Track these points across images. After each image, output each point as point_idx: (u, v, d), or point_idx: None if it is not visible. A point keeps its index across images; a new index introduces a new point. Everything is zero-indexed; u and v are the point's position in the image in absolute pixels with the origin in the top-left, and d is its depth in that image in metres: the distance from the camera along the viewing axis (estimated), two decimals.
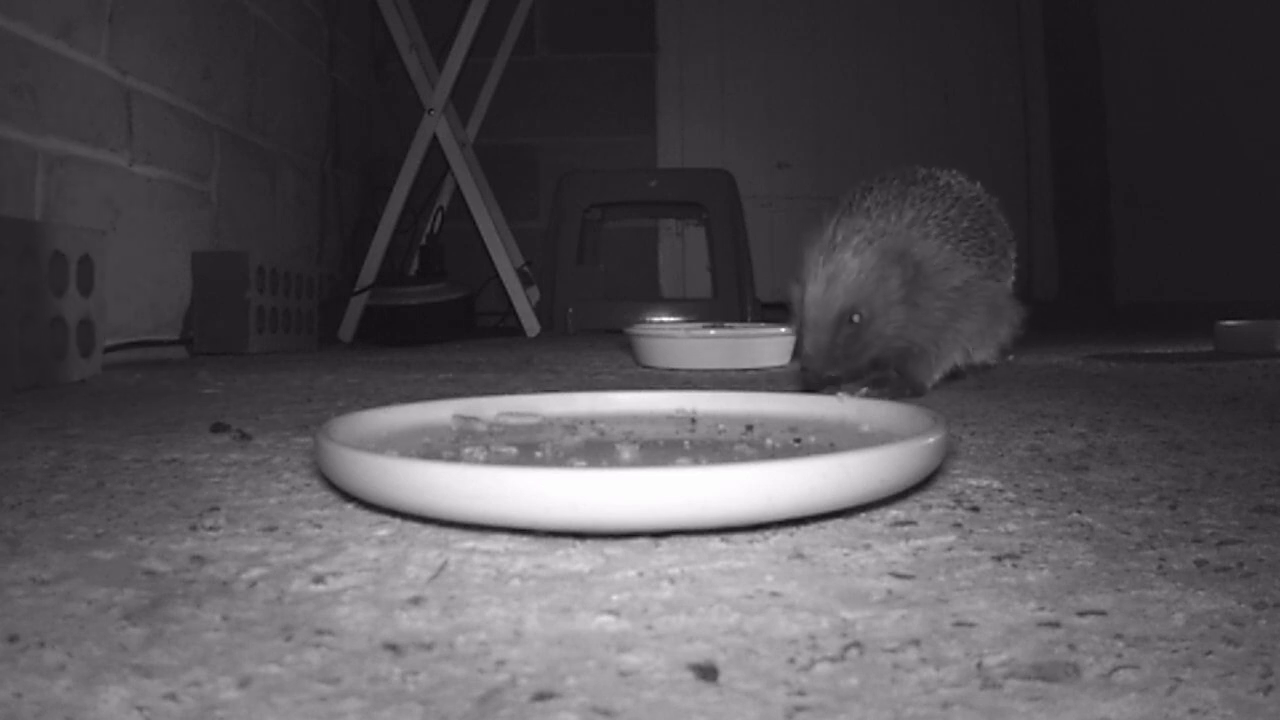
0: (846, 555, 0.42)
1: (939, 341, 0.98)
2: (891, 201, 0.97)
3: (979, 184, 1.06)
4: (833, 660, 0.31)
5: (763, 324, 1.69)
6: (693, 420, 0.69)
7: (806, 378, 0.90)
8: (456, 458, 0.55)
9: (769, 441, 0.60)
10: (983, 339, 1.01)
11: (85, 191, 1.38)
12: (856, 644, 0.32)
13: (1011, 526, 0.47)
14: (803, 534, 0.46)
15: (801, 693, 0.28)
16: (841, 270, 0.91)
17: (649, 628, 0.34)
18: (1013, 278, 1.07)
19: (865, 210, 0.97)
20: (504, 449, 0.56)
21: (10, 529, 0.48)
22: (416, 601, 0.37)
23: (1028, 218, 3.08)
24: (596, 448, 0.58)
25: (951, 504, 0.52)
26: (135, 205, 1.51)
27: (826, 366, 0.90)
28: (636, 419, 0.69)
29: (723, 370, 1.34)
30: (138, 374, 1.31)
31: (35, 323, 1.12)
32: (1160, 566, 0.40)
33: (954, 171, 1.05)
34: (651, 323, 2.30)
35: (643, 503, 0.41)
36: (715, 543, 0.44)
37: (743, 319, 2.39)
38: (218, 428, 0.79)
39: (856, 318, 0.90)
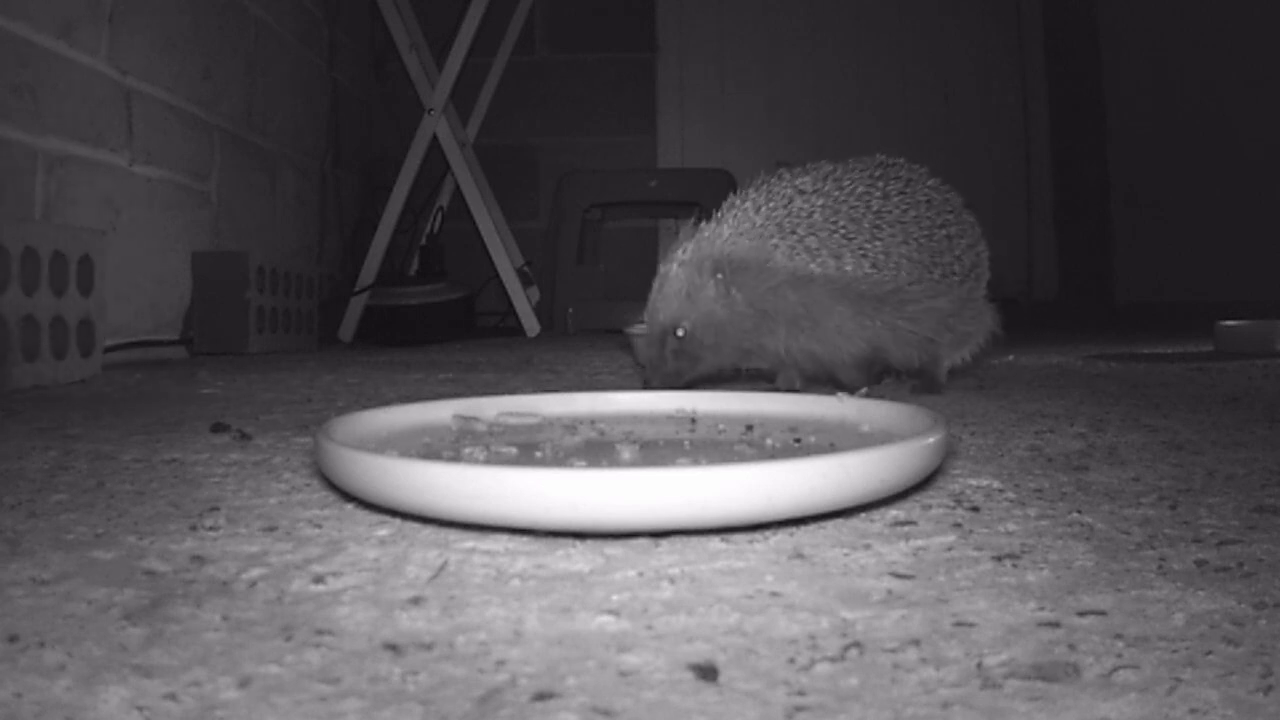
0: (846, 555, 0.42)
1: (785, 348, 0.94)
2: (750, 201, 0.95)
3: (898, 165, 0.99)
4: (833, 660, 0.31)
5: None
6: (693, 420, 0.69)
7: (644, 378, 0.93)
8: (456, 458, 0.55)
9: (769, 441, 0.60)
10: (870, 340, 0.94)
11: (85, 191, 1.38)
12: (856, 644, 0.32)
13: (1011, 526, 0.47)
14: (803, 534, 0.46)
15: (801, 693, 0.28)
16: (665, 282, 0.92)
17: (649, 628, 0.34)
18: (957, 269, 0.98)
19: (718, 215, 0.95)
20: (504, 449, 0.56)
21: (10, 529, 0.48)
22: (416, 601, 0.37)
23: (1028, 218, 3.08)
24: (596, 448, 0.58)
25: (951, 504, 0.52)
26: (135, 205, 1.51)
27: (664, 381, 0.91)
28: (636, 419, 0.69)
29: None
30: (138, 374, 1.31)
31: (35, 323, 1.12)
32: (1160, 566, 0.40)
33: (881, 157, 1.00)
34: None
35: (643, 503, 0.41)
36: (715, 543, 0.44)
37: None
38: (218, 428, 0.79)
39: (681, 331, 0.90)
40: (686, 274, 0.91)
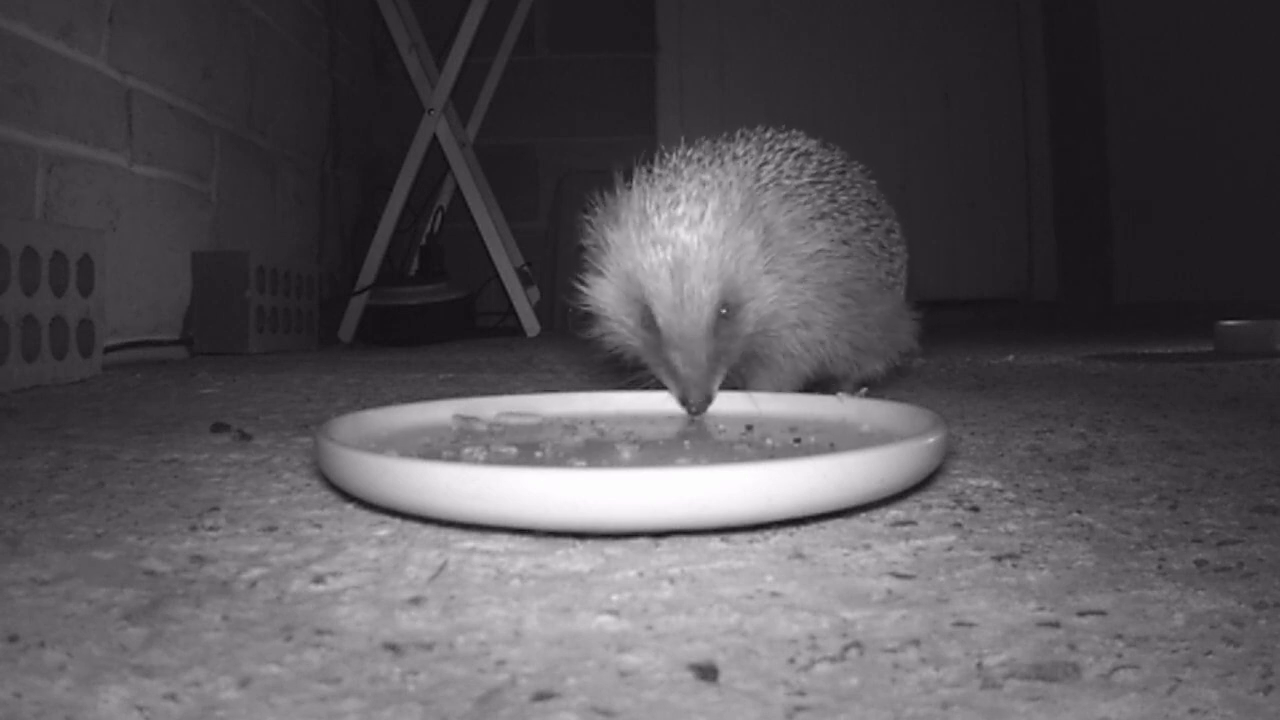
0: (846, 555, 0.42)
1: (796, 336, 0.75)
2: (708, 155, 0.76)
3: (831, 144, 0.85)
4: (833, 660, 0.31)
5: None
6: (692, 420, 0.69)
7: (701, 407, 0.67)
8: (456, 458, 0.55)
9: (769, 441, 0.60)
10: (836, 339, 0.77)
11: (85, 191, 1.38)
12: (856, 644, 0.32)
13: (1011, 526, 0.47)
14: (803, 534, 0.46)
15: (801, 693, 0.28)
16: (689, 254, 0.66)
17: (649, 628, 0.34)
18: (892, 269, 0.85)
19: (674, 169, 0.74)
20: (504, 449, 0.56)
21: (10, 529, 0.48)
22: (416, 601, 0.37)
23: (1028, 218, 3.08)
24: (596, 448, 0.58)
25: (951, 504, 0.52)
26: (135, 205, 1.51)
27: (713, 382, 0.68)
28: (636, 419, 0.69)
29: None
30: (138, 374, 1.31)
31: (35, 323, 1.12)
32: (1160, 566, 0.40)
33: (790, 128, 0.84)
34: None
35: (643, 503, 0.41)
36: (715, 543, 0.44)
37: None
38: (218, 428, 0.79)
39: (726, 310, 0.68)
40: (725, 229, 0.67)
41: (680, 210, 0.68)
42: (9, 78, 1.22)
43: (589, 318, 0.76)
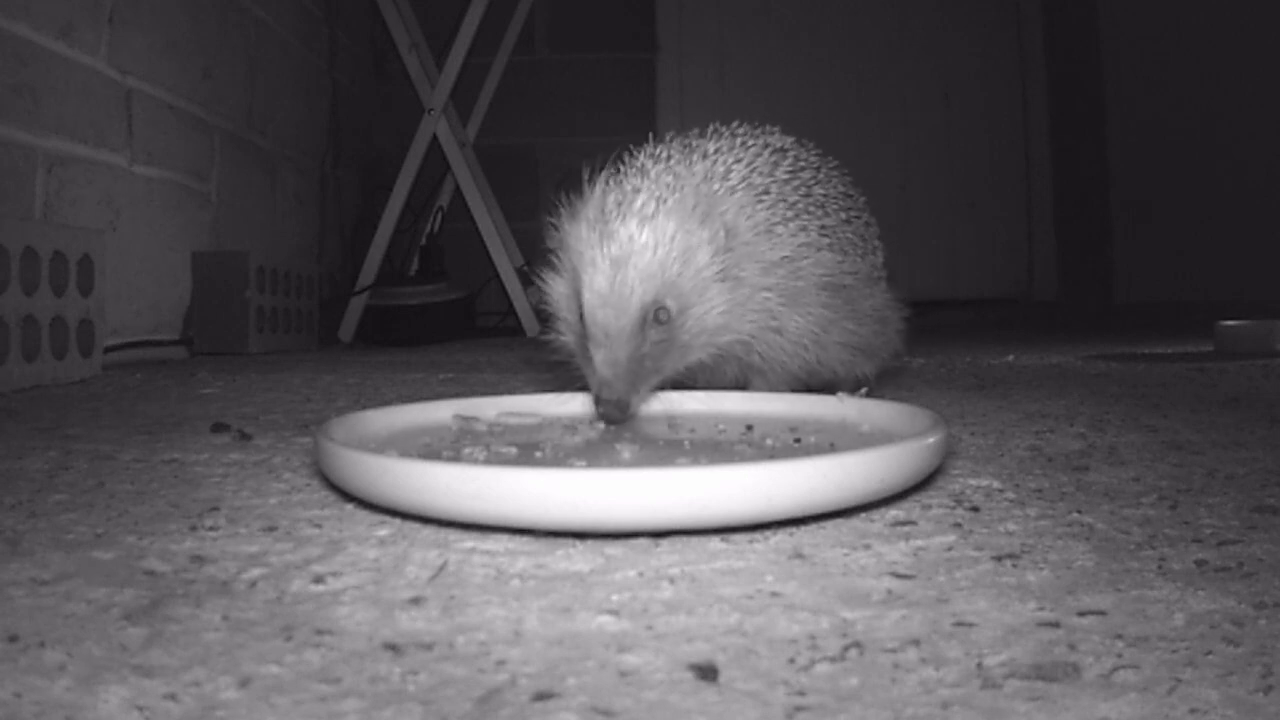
0: (846, 555, 0.42)
1: (768, 342, 0.73)
2: (678, 153, 0.74)
3: (805, 142, 0.83)
4: (833, 660, 0.31)
5: None
6: (692, 420, 0.69)
7: (609, 412, 0.64)
8: (456, 458, 0.55)
9: (769, 441, 0.60)
10: (823, 343, 0.75)
11: (85, 191, 1.38)
12: (856, 644, 0.32)
13: (1011, 526, 0.47)
14: (803, 534, 0.46)
15: (801, 693, 0.28)
16: (631, 249, 0.65)
17: (649, 628, 0.34)
18: (876, 264, 0.83)
19: (640, 168, 0.73)
20: (504, 449, 0.56)
21: (10, 529, 0.48)
22: (416, 601, 0.37)
23: (1028, 218, 3.08)
24: (596, 448, 0.58)
25: (951, 504, 0.52)
26: (135, 205, 1.51)
27: (632, 389, 0.64)
28: (635, 419, 0.69)
29: None
30: (138, 374, 1.31)
31: (35, 323, 1.12)
32: (1160, 566, 0.40)
33: (769, 126, 0.82)
34: None
35: (643, 503, 0.41)
36: (715, 543, 0.44)
37: None
38: (218, 428, 0.79)
39: (664, 313, 0.65)
40: (674, 229, 0.65)
41: (635, 206, 0.66)
42: (9, 78, 1.22)
43: (548, 318, 0.74)
